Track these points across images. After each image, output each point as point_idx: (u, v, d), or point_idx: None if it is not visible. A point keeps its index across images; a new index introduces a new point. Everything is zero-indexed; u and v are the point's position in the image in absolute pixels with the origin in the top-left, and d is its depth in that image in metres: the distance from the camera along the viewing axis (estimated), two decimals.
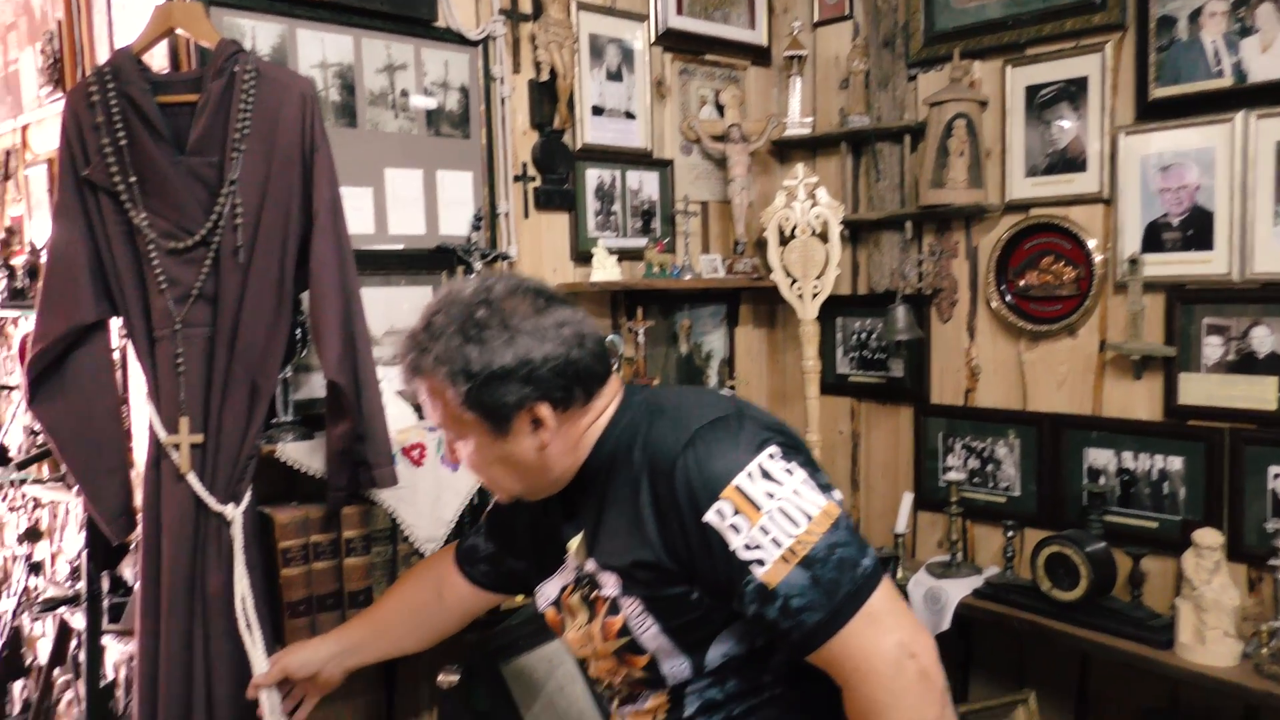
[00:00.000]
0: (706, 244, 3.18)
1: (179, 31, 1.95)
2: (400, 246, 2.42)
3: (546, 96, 2.70)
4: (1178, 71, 2.40)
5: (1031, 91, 2.67)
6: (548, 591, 1.48)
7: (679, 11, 3.00)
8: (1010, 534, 2.64)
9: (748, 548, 1.17)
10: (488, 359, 1.25)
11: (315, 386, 2.18)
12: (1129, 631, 2.30)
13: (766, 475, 1.19)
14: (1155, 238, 2.46)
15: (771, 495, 1.18)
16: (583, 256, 2.79)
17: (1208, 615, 2.18)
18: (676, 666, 1.31)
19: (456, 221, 2.53)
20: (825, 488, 1.22)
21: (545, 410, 1.29)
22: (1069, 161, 2.60)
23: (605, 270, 2.71)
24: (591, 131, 2.81)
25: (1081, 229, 2.57)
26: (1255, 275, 2.31)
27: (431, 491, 2.20)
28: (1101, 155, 2.54)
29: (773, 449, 1.21)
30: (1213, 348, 2.38)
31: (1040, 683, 2.69)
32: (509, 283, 1.32)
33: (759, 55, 3.26)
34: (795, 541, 1.16)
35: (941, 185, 2.75)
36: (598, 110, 2.83)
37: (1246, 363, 2.33)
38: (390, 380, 2.25)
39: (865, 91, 3.01)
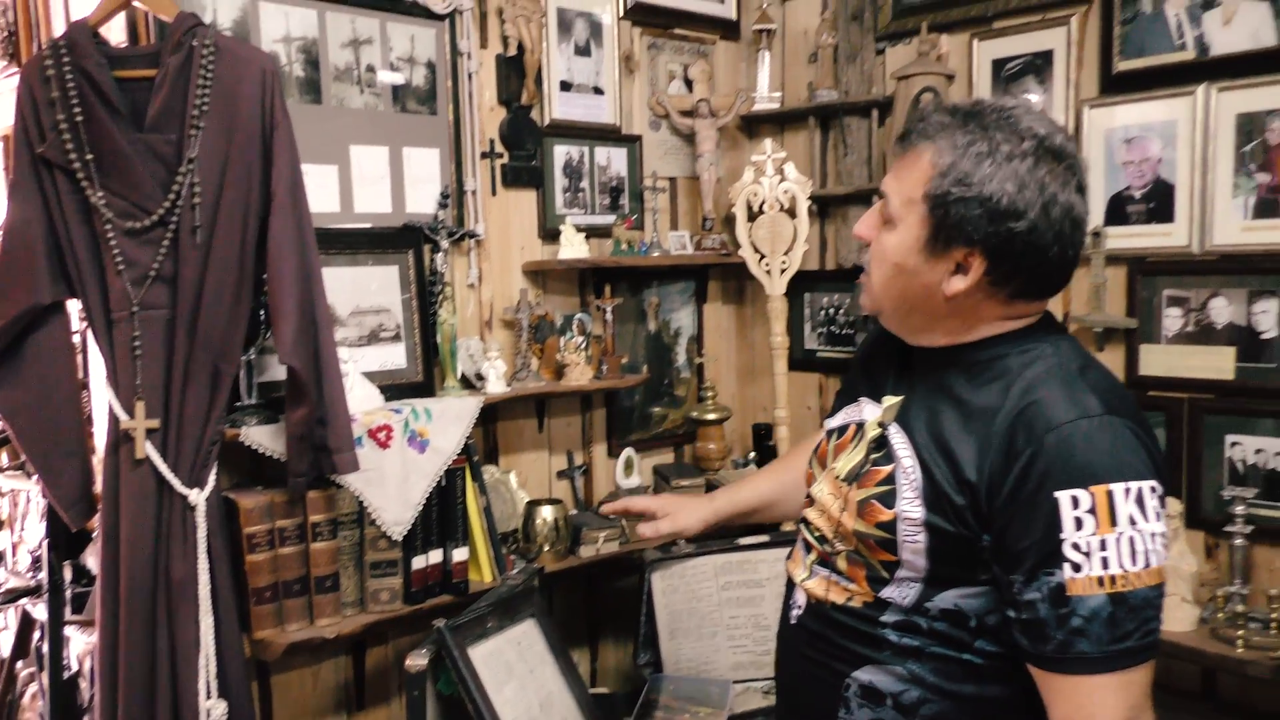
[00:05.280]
0: (675, 220, 3.17)
1: (136, 4, 1.92)
2: (367, 225, 2.39)
3: (514, 72, 2.66)
4: (1141, 44, 2.41)
5: (998, 65, 2.68)
6: (832, 421, 1.46)
7: None
8: None
9: (1076, 547, 1.11)
10: (987, 183, 1.16)
11: (280, 369, 2.15)
12: None
13: (1140, 503, 1.12)
14: (1119, 210, 2.48)
15: (1133, 522, 1.11)
16: (551, 234, 2.77)
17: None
18: (907, 587, 1.26)
19: (423, 199, 2.50)
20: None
21: (979, 266, 1.19)
22: None
23: (573, 247, 2.69)
24: (559, 107, 2.79)
25: None
26: (1214, 247, 2.34)
27: (399, 474, 2.18)
28: (1066, 128, 2.54)
29: (1157, 488, 1.14)
30: (1173, 319, 2.41)
31: None
32: (1070, 147, 1.20)
33: (728, 29, 3.24)
34: (1122, 574, 1.10)
35: None
36: (566, 85, 2.80)
37: (1205, 334, 2.36)
38: (356, 362, 2.23)
39: (834, 65, 3.00)
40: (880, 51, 2.94)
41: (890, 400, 1.32)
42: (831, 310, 3.14)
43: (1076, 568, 1.11)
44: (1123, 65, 2.45)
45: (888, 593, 1.27)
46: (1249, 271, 2.30)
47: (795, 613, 1.42)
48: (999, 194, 1.16)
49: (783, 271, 2.89)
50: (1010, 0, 2.63)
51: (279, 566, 2.07)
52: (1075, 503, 1.11)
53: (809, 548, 1.41)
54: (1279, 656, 2.03)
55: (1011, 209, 1.16)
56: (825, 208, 3.11)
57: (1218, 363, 2.35)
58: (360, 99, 2.37)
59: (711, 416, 3.09)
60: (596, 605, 2.93)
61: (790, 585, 1.45)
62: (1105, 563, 1.10)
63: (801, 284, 3.09)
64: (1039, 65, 2.59)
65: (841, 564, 1.33)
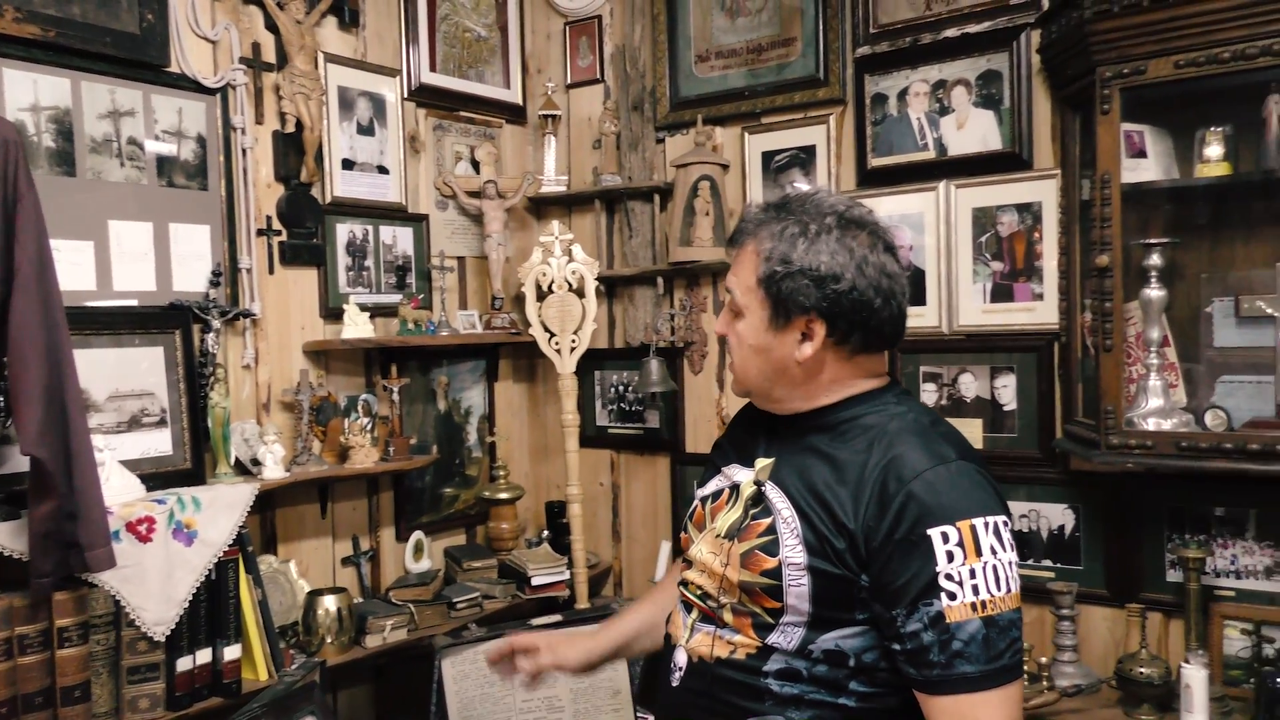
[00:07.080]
0: (464, 300, 3.16)
1: None
2: (132, 303, 2.25)
3: (293, 148, 2.60)
4: (891, 143, 2.65)
5: (768, 157, 2.87)
6: (704, 490, 1.53)
7: (432, 68, 3.00)
8: None
9: (949, 578, 1.23)
10: (805, 257, 1.33)
11: (21, 459, 1.97)
12: None
13: (997, 535, 1.25)
14: None
15: (994, 552, 1.24)
16: (333, 313, 2.70)
17: None
18: (791, 631, 1.33)
19: (193, 277, 2.39)
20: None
21: (820, 329, 1.35)
22: None
23: (357, 327, 2.63)
24: (342, 185, 2.74)
25: None
26: (961, 327, 2.57)
27: (162, 569, 2.04)
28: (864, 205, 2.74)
29: (1008, 521, 1.28)
30: (929, 393, 2.62)
31: None
32: (868, 216, 1.39)
33: (514, 113, 3.31)
34: (990, 598, 1.23)
35: (689, 243, 2.88)
36: (348, 164, 2.77)
37: (957, 406, 2.58)
38: (113, 450, 2.08)
39: (617, 152, 3.12)
40: (660, 140, 3.08)
41: (763, 462, 1.44)
42: (621, 388, 3.20)
43: (952, 596, 1.23)
44: (876, 161, 2.68)
45: (773, 638, 1.34)
46: (990, 350, 2.54)
47: (676, 675, 1.46)
48: (816, 264, 1.34)
49: (572, 350, 2.93)
50: (776, 99, 2.83)
51: (18, 678, 1.87)
52: (945, 538, 1.24)
53: (689, 607, 1.47)
54: (1042, 708, 2.19)
55: (830, 274, 1.33)
56: (612, 288, 3.19)
57: (969, 433, 2.55)
58: (121, 172, 2.25)
59: (504, 495, 3.07)
60: (385, 697, 2.81)
61: (670, 648, 1.50)
62: (976, 589, 1.23)
63: (591, 362, 3.15)
64: (804, 159, 2.80)
65: (727, 616, 1.40)
